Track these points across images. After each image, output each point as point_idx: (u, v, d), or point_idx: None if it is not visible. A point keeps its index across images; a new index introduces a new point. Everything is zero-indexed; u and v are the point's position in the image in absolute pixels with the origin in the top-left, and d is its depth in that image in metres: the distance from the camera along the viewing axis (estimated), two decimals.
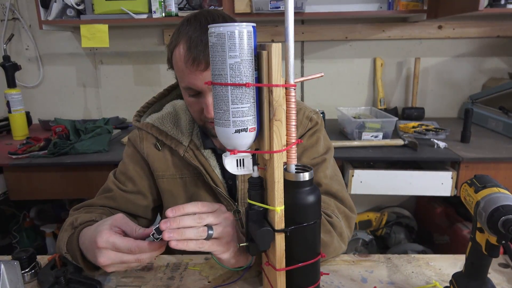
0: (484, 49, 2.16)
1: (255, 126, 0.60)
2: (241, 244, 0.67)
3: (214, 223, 0.67)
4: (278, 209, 0.61)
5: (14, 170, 1.60)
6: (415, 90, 2.17)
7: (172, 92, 1.06)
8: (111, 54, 2.26)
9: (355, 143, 1.67)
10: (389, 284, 0.78)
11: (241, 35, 0.55)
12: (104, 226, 0.68)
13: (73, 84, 2.31)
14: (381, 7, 2.05)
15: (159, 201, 1.02)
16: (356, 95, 2.27)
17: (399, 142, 1.66)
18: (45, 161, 1.57)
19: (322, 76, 0.62)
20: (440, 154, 1.57)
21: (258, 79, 0.59)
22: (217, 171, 0.94)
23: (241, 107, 0.57)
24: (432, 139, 1.68)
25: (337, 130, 1.92)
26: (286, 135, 0.60)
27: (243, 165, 0.63)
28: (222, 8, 1.82)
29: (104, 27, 1.88)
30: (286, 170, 0.61)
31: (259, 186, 0.64)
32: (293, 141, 0.60)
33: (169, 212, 0.65)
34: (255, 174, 0.64)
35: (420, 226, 2.11)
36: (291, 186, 0.61)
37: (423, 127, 1.81)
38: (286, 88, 0.58)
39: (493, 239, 0.59)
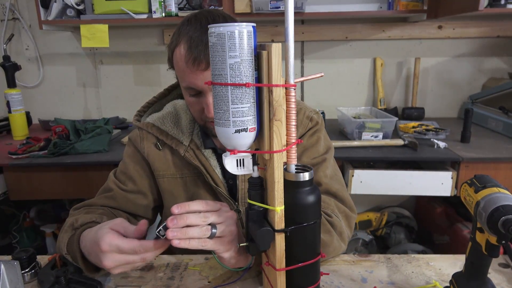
0: (484, 49, 2.16)
1: (255, 126, 0.60)
2: (241, 244, 0.67)
3: (217, 222, 0.67)
4: (278, 209, 0.61)
5: (14, 170, 1.60)
6: (415, 90, 2.17)
7: (172, 92, 1.07)
8: (111, 54, 2.26)
9: (355, 143, 1.67)
10: (389, 284, 0.78)
11: (241, 35, 0.55)
12: (105, 230, 0.68)
13: (73, 84, 2.31)
14: (381, 7, 2.05)
15: (159, 200, 1.02)
16: (356, 95, 2.27)
17: (399, 142, 1.66)
18: (45, 161, 1.57)
19: (322, 76, 0.62)
20: (440, 154, 1.57)
21: (258, 79, 0.59)
22: (218, 170, 0.94)
23: (241, 107, 0.57)
24: (432, 139, 1.68)
25: (337, 130, 1.92)
26: (286, 135, 0.60)
27: (243, 165, 0.63)
28: (222, 8, 1.82)
29: (104, 27, 1.88)
30: (286, 170, 0.61)
31: (259, 186, 0.64)
32: (293, 141, 0.60)
33: (175, 209, 0.65)
34: (255, 174, 0.64)
35: (420, 226, 2.11)
36: (291, 186, 0.61)
37: (423, 127, 1.81)
38: (286, 88, 0.58)
39: (493, 239, 0.59)
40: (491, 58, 2.17)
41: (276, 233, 0.62)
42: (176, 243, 0.62)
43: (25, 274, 0.79)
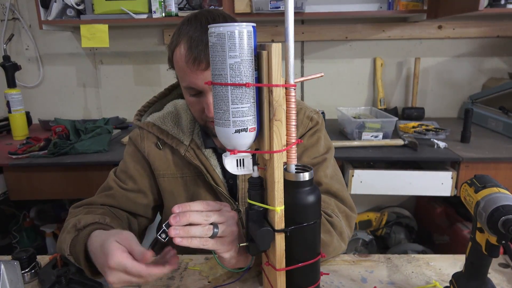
0: (484, 49, 2.16)
1: (255, 126, 0.60)
2: (241, 244, 0.67)
3: (219, 221, 0.67)
4: (278, 209, 0.61)
5: (14, 170, 1.60)
6: (415, 90, 2.17)
7: (173, 92, 1.07)
8: (111, 54, 2.26)
9: (355, 143, 1.67)
10: (389, 284, 0.78)
11: (241, 35, 0.55)
12: (114, 245, 0.67)
13: (73, 84, 2.31)
14: (381, 7, 2.05)
15: (159, 200, 1.02)
16: (356, 95, 2.27)
17: (399, 142, 1.66)
18: (45, 161, 1.57)
19: (322, 76, 0.62)
20: (440, 154, 1.57)
21: (258, 79, 0.59)
22: (218, 170, 0.94)
23: (241, 107, 0.57)
24: (432, 139, 1.68)
25: (337, 130, 1.92)
26: (286, 135, 0.60)
27: (243, 165, 0.63)
28: (222, 8, 1.82)
29: (104, 27, 1.88)
30: (286, 170, 0.61)
31: (259, 186, 0.64)
32: (293, 141, 0.60)
33: (176, 209, 0.66)
34: (255, 174, 0.64)
35: (420, 226, 2.11)
36: (291, 186, 0.61)
37: (423, 127, 1.81)
38: (286, 88, 0.58)
39: (493, 239, 0.59)
40: (491, 58, 2.17)
41: (276, 233, 0.62)
42: (178, 241, 0.63)
43: (25, 274, 0.79)
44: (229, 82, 0.56)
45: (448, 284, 0.71)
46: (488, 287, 0.65)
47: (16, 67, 1.91)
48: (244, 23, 0.56)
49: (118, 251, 0.65)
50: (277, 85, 0.57)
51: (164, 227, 0.65)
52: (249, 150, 0.62)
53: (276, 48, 0.56)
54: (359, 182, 1.59)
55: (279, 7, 1.80)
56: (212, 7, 1.89)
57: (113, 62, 2.27)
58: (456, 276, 0.69)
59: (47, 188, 1.63)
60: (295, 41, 1.99)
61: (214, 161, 0.94)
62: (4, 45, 2.19)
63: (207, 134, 0.95)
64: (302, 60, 2.22)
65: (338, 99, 2.25)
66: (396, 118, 1.74)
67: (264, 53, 0.57)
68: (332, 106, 2.12)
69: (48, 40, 2.25)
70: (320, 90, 2.25)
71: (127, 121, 2.25)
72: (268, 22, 2.13)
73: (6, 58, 1.90)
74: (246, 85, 0.57)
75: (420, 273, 0.81)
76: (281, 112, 0.58)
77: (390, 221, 2.09)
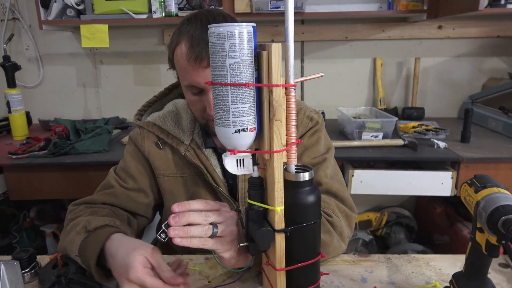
0: (484, 49, 2.16)
1: (255, 126, 0.60)
2: (241, 244, 0.67)
3: (218, 221, 0.67)
4: (278, 209, 0.61)
5: (14, 170, 1.60)
6: (415, 90, 2.17)
7: (173, 91, 1.07)
8: (111, 54, 2.26)
9: (355, 143, 1.67)
10: (389, 284, 0.78)
11: (241, 35, 0.55)
12: (139, 259, 0.68)
13: (73, 84, 2.31)
14: (381, 7, 2.05)
15: (159, 199, 1.02)
16: (356, 95, 2.27)
17: (399, 142, 1.66)
18: (45, 161, 1.57)
19: (322, 76, 0.62)
20: (440, 154, 1.57)
21: (258, 79, 0.59)
22: (218, 170, 0.94)
23: (241, 107, 0.57)
24: (432, 139, 1.68)
25: (337, 130, 1.92)
26: (286, 135, 0.60)
27: (243, 165, 0.63)
28: (222, 8, 1.82)
29: (104, 27, 1.88)
30: (286, 170, 0.61)
31: (259, 186, 0.64)
32: (293, 141, 0.60)
33: (175, 207, 0.66)
34: (255, 174, 0.64)
35: (420, 226, 2.11)
36: (291, 186, 0.61)
37: (423, 127, 1.81)
38: (286, 88, 0.58)
39: (493, 239, 0.59)
40: (491, 58, 2.17)
41: (276, 233, 0.62)
42: (177, 241, 0.63)
43: (25, 274, 0.79)
44: (229, 82, 0.56)
45: (448, 284, 0.71)
46: (488, 287, 0.65)
47: (16, 67, 1.91)
48: (244, 23, 0.56)
49: (141, 266, 0.67)
50: (277, 85, 0.57)
51: (163, 227, 0.65)
52: (249, 150, 0.62)
53: (276, 48, 0.56)
54: (359, 182, 1.59)
55: (279, 7, 1.80)
56: (212, 7, 1.89)
57: (113, 62, 2.27)
58: (456, 276, 0.69)
59: (47, 188, 1.63)
60: (295, 41, 1.99)
61: (214, 161, 0.94)
62: (4, 45, 2.19)
63: (207, 134, 0.95)
64: (302, 60, 2.22)
65: (338, 99, 2.25)
66: (396, 118, 1.74)
67: (264, 53, 0.57)
68: (332, 106, 2.12)
69: (48, 40, 2.25)
70: (320, 90, 2.25)
71: (127, 121, 2.25)
72: (268, 22, 2.13)
73: (6, 58, 1.90)
74: (246, 85, 0.57)
75: (420, 273, 0.81)
76: (281, 112, 0.58)
77: (390, 221, 2.09)
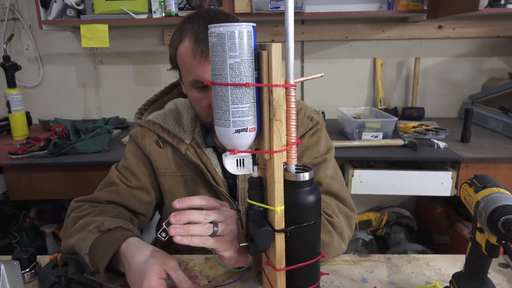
0: (484, 49, 2.16)
1: (255, 126, 0.60)
2: (241, 244, 0.67)
3: (219, 220, 0.67)
4: (278, 209, 0.61)
5: (14, 170, 1.60)
6: (415, 90, 2.17)
7: (173, 90, 1.07)
8: (111, 54, 2.26)
9: (355, 143, 1.67)
10: (389, 284, 0.78)
11: (241, 35, 0.55)
12: (155, 269, 0.68)
13: (73, 84, 2.31)
14: (381, 7, 2.05)
15: (160, 198, 1.02)
16: (356, 95, 2.27)
17: (399, 142, 1.66)
18: (45, 161, 1.57)
19: (322, 76, 0.62)
20: (440, 154, 1.56)
21: (258, 79, 0.59)
22: (218, 169, 0.94)
23: (241, 107, 0.57)
24: (432, 139, 1.68)
25: (337, 130, 1.92)
26: (286, 135, 0.60)
27: (243, 165, 0.63)
28: (222, 8, 1.82)
29: (104, 27, 1.88)
30: (286, 170, 0.61)
31: (259, 186, 0.64)
32: (293, 141, 0.60)
33: (176, 203, 0.66)
34: (255, 174, 0.64)
35: (420, 226, 2.11)
36: (291, 186, 0.61)
37: (423, 127, 1.81)
38: (286, 88, 0.58)
39: (493, 239, 0.59)
40: (491, 58, 2.17)
41: (276, 233, 0.62)
42: (178, 239, 0.63)
43: (25, 274, 0.79)
44: (229, 82, 0.57)
45: (448, 284, 0.71)
46: (488, 287, 0.65)
47: (16, 67, 1.91)
48: (244, 23, 0.56)
49: (155, 277, 0.67)
50: (277, 85, 0.57)
51: (164, 226, 0.65)
52: (249, 150, 0.62)
53: (276, 48, 0.56)
54: (359, 182, 1.59)
55: (279, 7, 1.80)
56: (212, 7, 1.88)
57: (113, 62, 2.27)
58: (456, 276, 0.69)
59: (47, 188, 1.63)
60: (295, 41, 1.99)
61: (214, 160, 0.94)
62: (4, 45, 2.19)
63: (207, 133, 0.95)
64: (302, 60, 2.22)
65: (338, 99, 2.25)
66: (396, 118, 1.74)
67: (264, 53, 0.57)
68: (332, 106, 2.12)
69: (48, 40, 2.25)
70: (320, 90, 2.25)
71: (127, 121, 2.25)
72: (268, 22, 2.13)
73: (6, 58, 1.90)
74: (246, 85, 0.57)
75: (420, 273, 0.81)
76: (281, 112, 0.58)
77: (390, 221, 2.09)
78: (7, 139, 1.94)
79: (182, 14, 1.87)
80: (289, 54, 0.57)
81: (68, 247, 0.81)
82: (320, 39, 2.16)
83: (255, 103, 0.59)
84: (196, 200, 0.68)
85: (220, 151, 0.95)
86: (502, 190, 0.59)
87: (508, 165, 1.52)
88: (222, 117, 0.58)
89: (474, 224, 0.63)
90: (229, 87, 0.57)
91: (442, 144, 1.62)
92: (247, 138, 0.60)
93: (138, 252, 0.72)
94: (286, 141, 0.60)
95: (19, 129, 1.93)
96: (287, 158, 0.61)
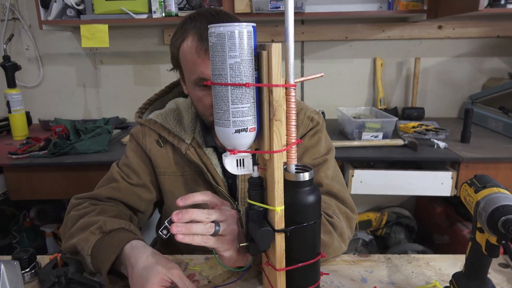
0: (484, 49, 2.16)
1: (255, 126, 0.60)
2: (241, 244, 0.67)
3: (220, 219, 0.67)
4: (278, 209, 0.61)
5: (14, 170, 1.60)
6: (415, 90, 2.17)
7: (174, 90, 1.07)
8: (111, 54, 2.26)
9: (355, 143, 1.67)
10: (389, 284, 0.78)
11: (241, 35, 0.55)
12: (158, 278, 0.68)
13: (73, 84, 2.31)
14: (381, 7, 2.05)
15: (160, 197, 1.02)
16: (356, 95, 2.27)
17: (399, 142, 1.66)
18: (45, 161, 1.57)
19: (322, 76, 0.62)
20: (440, 154, 1.56)
21: (258, 79, 0.59)
22: (219, 169, 0.94)
23: (241, 107, 0.57)
24: (432, 139, 1.68)
25: (337, 130, 1.92)
26: (286, 135, 0.60)
27: (243, 165, 0.63)
28: (222, 8, 1.82)
29: (104, 27, 1.88)
30: (286, 170, 0.61)
31: (259, 186, 0.64)
32: (293, 141, 0.60)
33: (179, 201, 0.66)
34: (255, 174, 0.64)
35: (420, 226, 2.11)
36: (291, 186, 0.61)
37: (423, 127, 1.81)
38: (286, 88, 0.58)
39: (493, 239, 0.59)
40: (491, 58, 2.17)
41: (276, 233, 0.62)
42: (180, 238, 0.63)
43: (25, 274, 0.79)
44: (229, 82, 0.56)
45: (448, 284, 0.71)
46: (488, 287, 0.65)
47: (16, 67, 1.91)
48: (244, 23, 0.56)
49: (157, 285, 0.67)
50: (277, 85, 0.57)
51: (166, 224, 0.65)
52: (249, 150, 0.62)
53: (276, 48, 0.56)
54: (359, 182, 1.59)
55: (279, 7, 1.80)
56: (213, 7, 1.88)
57: (113, 62, 2.27)
58: (456, 276, 0.69)
59: (47, 188, 1.63)
60: (295, 41, 1.99)
61: (215, 160, 0.94)
62: (4, 45, 2.19)
63: (207, 133, 0.95)
64: (302, 60, 2.22)
65: (338, 99, 2.25)
66: (396, 118, 1.74)
67: (264, 53, 0.57)
68: (332, 106, 2.12)
69: (48, 40, 2.25)
70: (320, 90, 2.25)
71: (127, 121, 2.25)
72: (268, 22, 2.13)
73: (6, 58, 1.90)
74: (246, 85, 0.57)
75: (420, 273, 0.81)
76: (281, 112, 0.58)
77: (390, 221, 2.09)
78: (7, 139, 1.94)
79: (182, 14, 1.87)
80: (289, 54, 0.57)
81: (70, 247, 0.81)
82: (320, 39, 2.16)
83: (255, 103, 0.59)
84: (200, 196, 0.69)
85: (220, 151, 0.95)
86: (502, 190, 0.59)
87: (508, 165, 1.52)
88: (222, 117, 0.58)
89: (474, 224, 0.63)
90: (229, 87, 0.57)
91: (442, 144, 1.62)
92: (247, 138, 0.60)
93: (142, 257, 0.72)
94: (286, 141, 0.60)
95: (19, 129, 1.93)
96: (287, 158, 0.61)
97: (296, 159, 0.61)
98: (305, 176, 0.60)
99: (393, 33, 2.14)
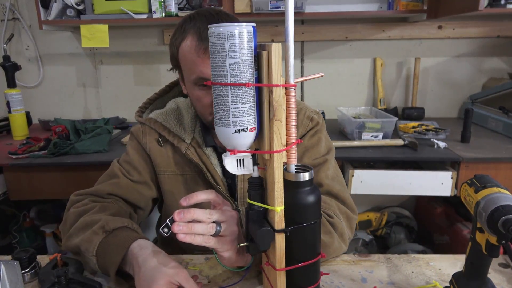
0: (484, 49, 2.16)
1: (255, 126, 0.60)
2: (241, 244, 0.67)
3: (221, 220, 0.67)
4: (278, 209, 0.61)
5: (14, 170, 1.60)
6: (415, 90, 2.17)
7: (173, 89, 1.07)
8: (111, 54, 2.26)
9: (355, 143, 1.67)
10: (389, 284, 0.78)
11: (241, 35, 0.55)
12: (164, 279, 0.67)
13: (73, 84, 2.31)
14: (381, 7, 2.05)
15: (159, 195, 1.02)
16: (356, 95, 2.27)
17: (399, 142, 1.66)
18: (45, 161, 1.57)
19: (322, 76, 0.62)
20: (440, 154, 1.56)
21: (258, 79, 0.59)
22: (218, 169, 0.94)
23: (241, 107, 0.57)
24: (432, 139, 1.68)
25: (337, 130, 1.92)
26: (286, 135, 0.60)
27: (243, 165, 0.63)
28: (222, 8, 1.82)
29: (104, 27, 1.88)
30: (286, 170, 0.61)
31: (259, 186, 0.64)
32: (293, 141, 0.60)
33: (183, 201, 0.66)
34: (255, 174, 0.64)
35: (420, 226, 2.11)
36: (291, 186, 0.61)
37: (423, 127, 1.81)
38: (286, 88, 0.58)
39: (493, 239, 0.59)
40: (491, 58, 2.17)
41: (276, 233, 0.62)
42: (181, 237, 0.63)
43: (25, 274, 0.79)
44: (229, 82, 0.56)
45: (448, 284, 0.71)
46: (488, 287, 0.65)
47: (16, 67, 1.91)
48: (244, 23, 0.56)
49: (164, 287, 0.66)
50: (277, 85, 0.57)
51: (168, 222, 0.65)
52: (249, 150, 0.62)
53: (276, 48, 0.56)
54: (359, 182, 1.59)
55: (279, 7, 1.80)
56: (212, 7, 1.89)
57: (113, 62, 2.27)
58: (456, 276, 0.69)
59: (47, 188, 1.63)
60: (295, 41, 1.99)
61: (214, 160, 0.94)
62: (4, 45, 2.19)
63: (207, 133, 0.95)
64: (302, 60, 2.22)
65: (338, 99, 2.25)
66: (396, 118, 1.74)
67: (264, 53, 0.57)
68: (332, 106, 2.12)
69: (48, 40, 2.25)
70: (320, 90, 2.25)
71: (127, 121, 2.25)
72: (268, 22, 2.13)
73: (6, 58, 1.90)
74: (246, 85, 0.57)
75: (420, 273, 0.81)
76: (281, 112, 0.58)
77: (390, 221, 2.09)
78: (7, 139, 1.94)
79: (182, 14, 1.87)
80: (289, 54, 0.57)
81: (72, 246, 0.81)
82: (320, 39, 2.16)
83: (255, 103, 0.59)
84: (203, 195, 0.69)
85: (220, 150, 0.95)
86: (502, 190, 0.59)
87: (508, 165, 1.52)
88: (222, 117, 0.58)
89: (474, 224, 0.63)
90: (229, 87, 0.57)
91: (442, 144, 1.62)
92: (247, 138, 0.60)
93: (150, 257, 0.72)
94: (286, 141, 0.60)
95: (19, 129, 1.93)
96: (287, 158, 0.61)
97: (296, 159, 0.61)
98: (305, 176, 0.60)
99: (393, 33, 2.14)
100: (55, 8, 1.89)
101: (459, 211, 1.91)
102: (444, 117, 2.23)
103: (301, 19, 2.13)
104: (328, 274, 0.81)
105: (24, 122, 1.95)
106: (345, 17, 2.06)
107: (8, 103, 1.89)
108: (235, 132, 0.58)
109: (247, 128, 0.59)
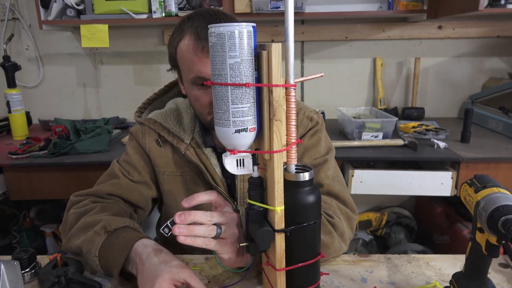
0: (484, 49, 2.16)
1: (255, 126, 0.60)
2: (241, 244, 0.67)
3: (222, 222, 0.67)
4: (278, 209, 0.61)
5: (14, 170, 1.60)
6: (415, 90, 2.17)
7: (173, 89, 1.07)
8: (111, 54, 2.26)
9: (355, 143, 1.67)
10: (389, 284, 0.78)
11: (241, 35, 0.55)
12: (166, 277, 0.67)
13: (73, 84, 2.31)
14: (381, 7, 2.05)
15: (159, 195, 1.02)
16: (356, 95, 2.27)
17: (399, 142, 1.66)
18: (45, 161, 1.57)
19: (322, 76, 0.62)
20: (440, 154, 1.56)
21: (258, 79, 0.59)
22: (218, 170, 0.94)
23: (241, 107, 0.57)
24: (432, 139, 1.68)
25: (337, 130, 1.92)
26: (286, 135, 0.60)
27: (243, 165, 0.63)
28: (222, 8, 1.82)
29: (104, 27, 1.88)
30: (286, 170, 0.61)
31: (259, 186, 0.64)
32: (293, 141, 0.60)
33: (184, 203, 0.66)
34: (255, 174, 0.64)
35: (420, 226, 2.11)
36: (291, 186, 0.61)
37: (423, 127, 1.81)
38: (286, 88, 0.58)
39: (493, 239, 0.59)
40: (491, 58, 2.17)
41: (276, 233, 0.62)
42: (182, 239, 0.63)
43: (25, 274, 0.79)
44: (229, 82, 0.56)
45: (448, 284, 0.71)
46: (488, 287, 0.65)
47: (16, 67, 1.91)
48: (244, 23, 0.56)
49: (166, 284, 0.66)
50: (277, 85, 0.57)
51: (168, 223, 0.65)
52: (249, 150, 0.62)
53: (276, 48, 0.56)
54: (359, 182, 1.59)
55: (279, 7, 1.80)
56: (212, 7, 1.89)
57: (113, 62, 2.27)
58: (456, 276, 0.69)
59: (47, 188, 1.63)
60: (295, 41, 1.99)
61: (214, 160, 0.94)
62: (4, 45, 2.19)
63: (207, 133, 0.95)
64: (302, 60, 2.22)
65: (338, 99, 2.25)
66: (396, 118, 1.74)
67: (264, 53, 0.57)
68: (332, 106, 2.12)
69: (48, 40, 2.25)
70: (320, 90, 2.25)
71: (127, 121, 2.25)
72: (268, 22, 2.13)
73: (6, 58, 1.90)
74: (246, 85, 0.57)
75: (420, 273, 0.81)
76: (281, 112, 0.58)
77: (390, 221, 2.09)
78: (7, 139, 1.94)
79: (182, 14, 1.87)
80: (289, 54, 0.57)
81: (73, 247, 0.81)
82: (320, 39, 2.16)
83: (255, 103, 0.59)
84: (205, 196, 0.69)
85: (219, 151, 0.95)
86: (502, 190, 0.59)
87: (508, 165, 1.52)
88: (222, 117, 0.58)
89: (474, 224, 0.63)
90: (229, 87, 0.57)
91: (442, 144, 1.62)
92: (247, 138, 0.60)
93: (155, 254, 0.72)
94: (286, 141, 0.60)
95: (19, 129, 1.93)
96: (287, 158, 0.61)
97: (296, 159, 0.61)
98: (305, 176, 0.60)
99: (393, 33, 2.14)
100: (55, 8, 1.89)
101: (459, 211, 1.91)
102: (444, 117, 2.23)
103: (301, 19, 2.13)
104: (328, 274, 0.81)
105: (24, 122, 1.95)
106: (345, 17, 2.06)
107: (8, 103, 1.89)
108: (235, 132, 0.58)
109: (247, 128, 0.59)
